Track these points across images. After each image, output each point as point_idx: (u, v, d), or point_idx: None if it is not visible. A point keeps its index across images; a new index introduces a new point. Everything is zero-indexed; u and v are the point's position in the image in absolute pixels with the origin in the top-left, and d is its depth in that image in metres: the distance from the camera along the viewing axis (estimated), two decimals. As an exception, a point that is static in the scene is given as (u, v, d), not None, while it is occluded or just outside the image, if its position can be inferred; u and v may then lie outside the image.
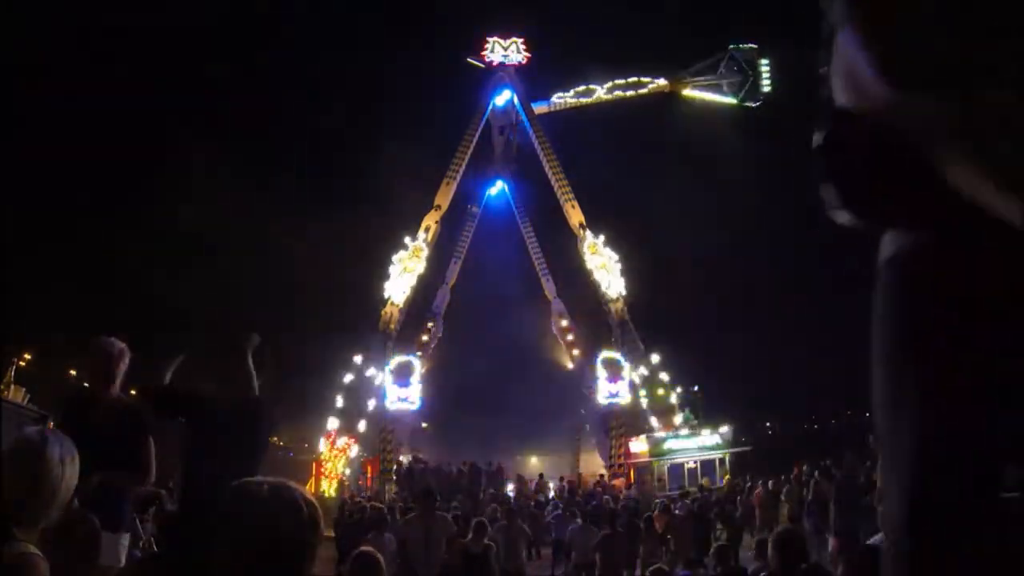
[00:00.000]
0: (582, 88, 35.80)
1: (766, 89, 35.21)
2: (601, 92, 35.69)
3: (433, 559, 7.41)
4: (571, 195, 32.75)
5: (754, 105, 35.58)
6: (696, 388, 29.85)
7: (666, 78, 36.50)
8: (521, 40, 35.28)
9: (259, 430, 3.64)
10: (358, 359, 28.43)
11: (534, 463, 34.48)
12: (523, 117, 34.72)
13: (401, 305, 30.11)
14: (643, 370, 29.08)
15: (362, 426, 27.47)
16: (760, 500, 16.01)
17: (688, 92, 36.75)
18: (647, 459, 26.29)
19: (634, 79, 36.11)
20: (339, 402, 27.71)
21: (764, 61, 35.37)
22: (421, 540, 7.40)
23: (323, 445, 27.18)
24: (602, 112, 36.40)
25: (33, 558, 1.81)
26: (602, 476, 25.89)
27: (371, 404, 27.80)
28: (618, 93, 35.92)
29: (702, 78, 36.50)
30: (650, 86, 36.41)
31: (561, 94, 35.53)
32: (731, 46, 36.06)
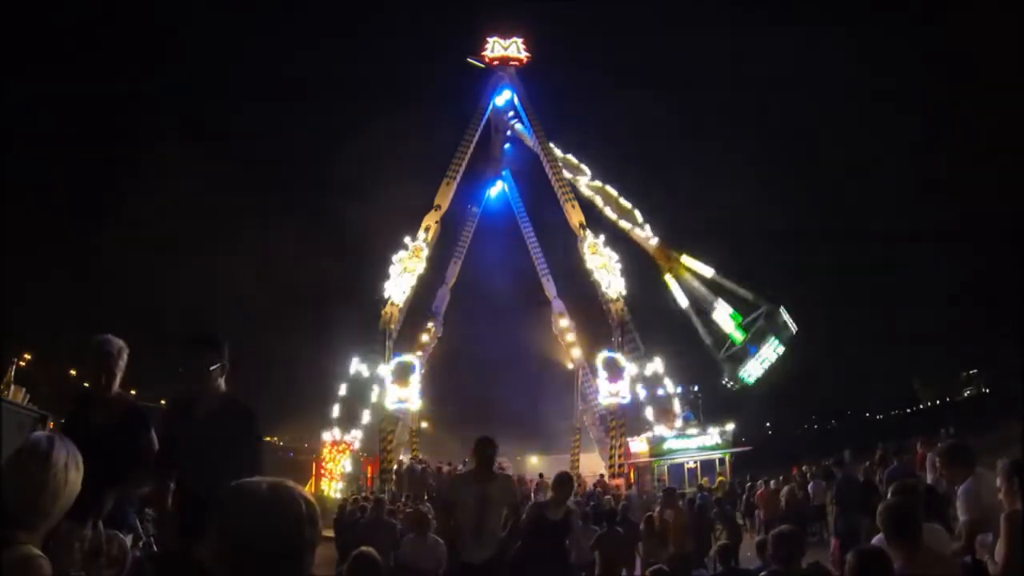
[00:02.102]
0: (568, 159, 33.69)
1: (793, 330, 30.78)
2: (584, 185, 33.49)
3: (487, 533, 5.36)
4: (571, 195, 32.73)
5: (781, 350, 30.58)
6: (696, 388, 29.84)
7: (661, 245, 31.99)
8: (521, 40, 35.28)
9: (244, 427, 3.51)
10: (358, 359, 28.42)
11: (534, 463, 34.45)
12: (523, 117, 34.71)
13: (401, 305, 30.07)
14: (643, 370, 29.07)
15: (362, 426, 27.47)
16: (764, 499, 16.02)
17: (674, 275, 31.96)
18: (647, 459, 26.28)
19: (623, 224, 32.20)
20: (339, 402, 27.71)
21: (783, 311, 30.40)
22: (473, 506, 5.35)
23: (323, 445, 27.19)
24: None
25: (36, 560, 1.82)
26: (602, 476, 25.88)
27: (371, 404, 27.79)
28: (596, 200, 33.11)
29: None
30: (635, 232, 32.57)
31: (553, 148, 33.76)
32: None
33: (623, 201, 33.15)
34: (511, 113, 35.59)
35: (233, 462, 3.40)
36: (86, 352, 3.71)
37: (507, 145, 36.57)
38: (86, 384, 3.75)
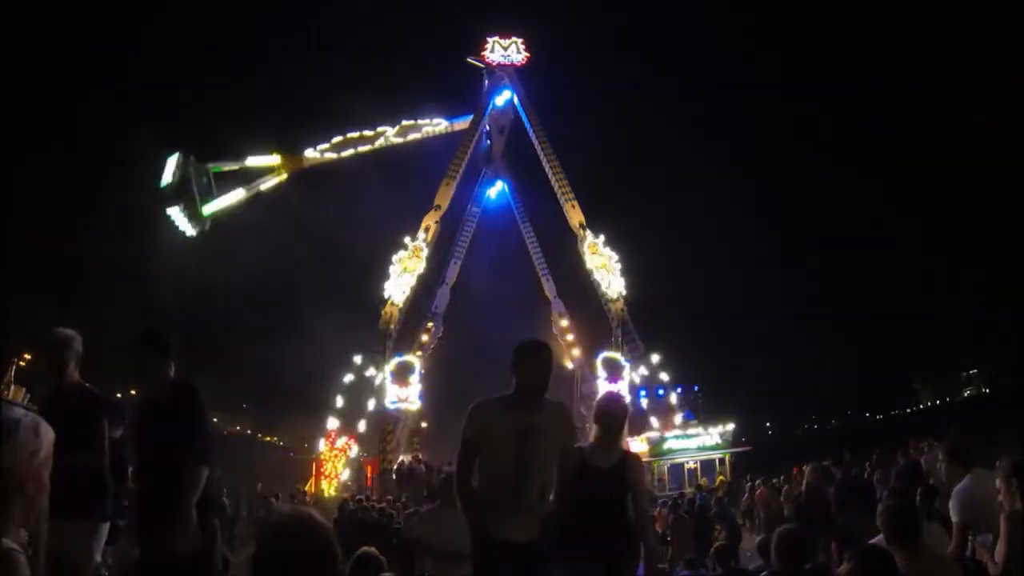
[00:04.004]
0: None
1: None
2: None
3: (532, 491, 3.41)
4: (571, 195, 32.75)
5: None
6: (696, 388, 29.86)
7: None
8: (521, 40, 35.26)
9: (187, 407, 3.72)
10: (358, 359, 28.42)
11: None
12: (523, 117, 34.70)
13: (401, 305, 30.08)
14: (643, 370, 29.07)
15: (362, 426, 27.48)
16: (763, 499, 16.01)
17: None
18: (647, 459, 26.28)
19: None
20: (339, 402, 27.72)
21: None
22: (514, 448, 3.39)
23: (323, 445, 27.20)
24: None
25: (13, 554, 1.76)
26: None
27: (371, 404, 27.80)
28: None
29: None
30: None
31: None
32: None
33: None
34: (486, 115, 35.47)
35: (183, 446, 3.58)
36: (42, 345, 3.90)
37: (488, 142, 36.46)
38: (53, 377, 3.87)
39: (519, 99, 34.72)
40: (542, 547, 3.50)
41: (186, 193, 26.34)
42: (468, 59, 35.53)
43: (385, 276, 30.25)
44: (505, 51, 35.12)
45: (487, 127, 35.47)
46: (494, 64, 34.98)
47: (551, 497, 3.61)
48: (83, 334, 3.92)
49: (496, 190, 36.89)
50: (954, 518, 4.32)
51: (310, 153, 31.72)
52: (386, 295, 29.88)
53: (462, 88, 36.95)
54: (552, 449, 3.49)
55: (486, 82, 34.91)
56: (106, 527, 3.75)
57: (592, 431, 4.10)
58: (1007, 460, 4.02)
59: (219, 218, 27.99)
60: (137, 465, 3.71)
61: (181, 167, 26.30)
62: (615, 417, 4.09)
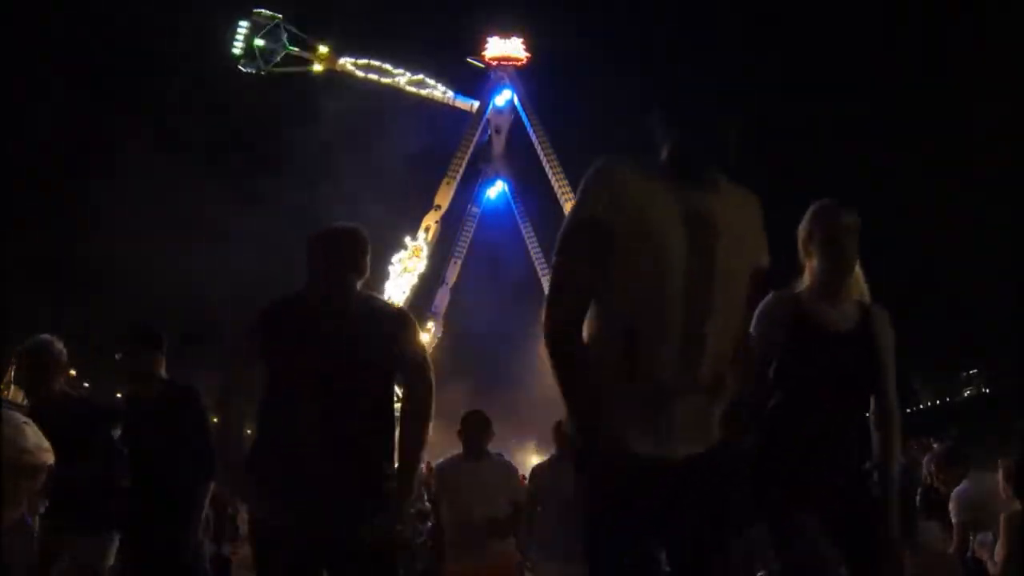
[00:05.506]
0: None
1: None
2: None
3: (712, 331, 1.68)
4: (571, 195, 32.76)
5: None
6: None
7: None
8: (521, 40, 35.27)
9: (186, 412, 3.57)
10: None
11: (535, 461, 34.37)
12: (523, 117, 34.73)
13: (401, 305, 30.11)
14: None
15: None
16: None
17: None
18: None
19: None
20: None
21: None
22: (682, 252, 1.69)
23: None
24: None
25: None
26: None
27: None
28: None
29: None
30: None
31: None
32: None
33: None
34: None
35: (182, 449, 3.45)
36: (18, 355, 3.65)
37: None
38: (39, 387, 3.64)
39: (519, 99, 34.74)
40: (739, 473, 1.85)
41: (252, 56, 33.21)
42: (468, 59, 35.59)
43: (385, 276, 30.27)
44: (505, 51, 35.14)
45: (487, 124, 35.58)
46: (494, 64, 35.00)
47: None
48: (83, 333, 3.80)
49: (496, 190, 36.90)
50: (954, 519, 4.33)
51: (343, 60, 35.07)
52: (386, 295, 29.90)
53: (461, 88, 36.94)
54: (745, 260, 1.82)
55: (492, 77, 34.94)
56: (113, 538, 3.59)
57: (807, 266, 2.37)
58: (1009, 460, 4.03)
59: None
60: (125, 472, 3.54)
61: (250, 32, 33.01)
62: (848, 234, 2.29)
